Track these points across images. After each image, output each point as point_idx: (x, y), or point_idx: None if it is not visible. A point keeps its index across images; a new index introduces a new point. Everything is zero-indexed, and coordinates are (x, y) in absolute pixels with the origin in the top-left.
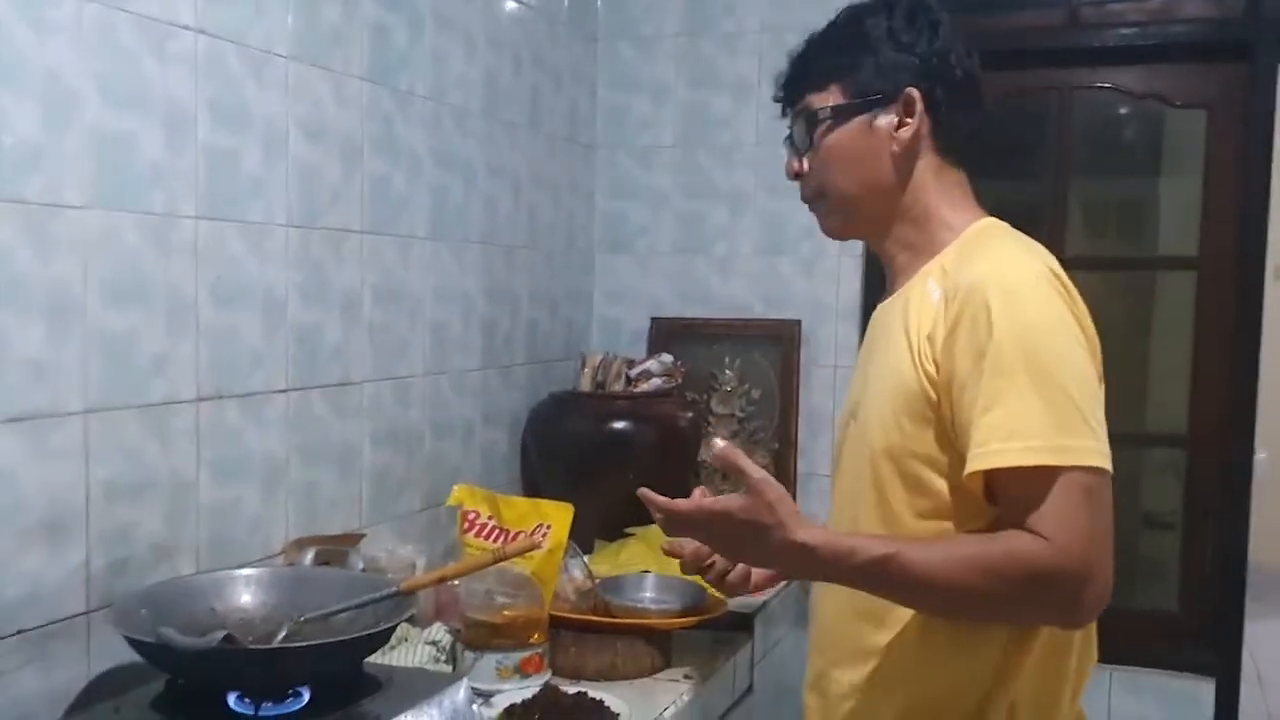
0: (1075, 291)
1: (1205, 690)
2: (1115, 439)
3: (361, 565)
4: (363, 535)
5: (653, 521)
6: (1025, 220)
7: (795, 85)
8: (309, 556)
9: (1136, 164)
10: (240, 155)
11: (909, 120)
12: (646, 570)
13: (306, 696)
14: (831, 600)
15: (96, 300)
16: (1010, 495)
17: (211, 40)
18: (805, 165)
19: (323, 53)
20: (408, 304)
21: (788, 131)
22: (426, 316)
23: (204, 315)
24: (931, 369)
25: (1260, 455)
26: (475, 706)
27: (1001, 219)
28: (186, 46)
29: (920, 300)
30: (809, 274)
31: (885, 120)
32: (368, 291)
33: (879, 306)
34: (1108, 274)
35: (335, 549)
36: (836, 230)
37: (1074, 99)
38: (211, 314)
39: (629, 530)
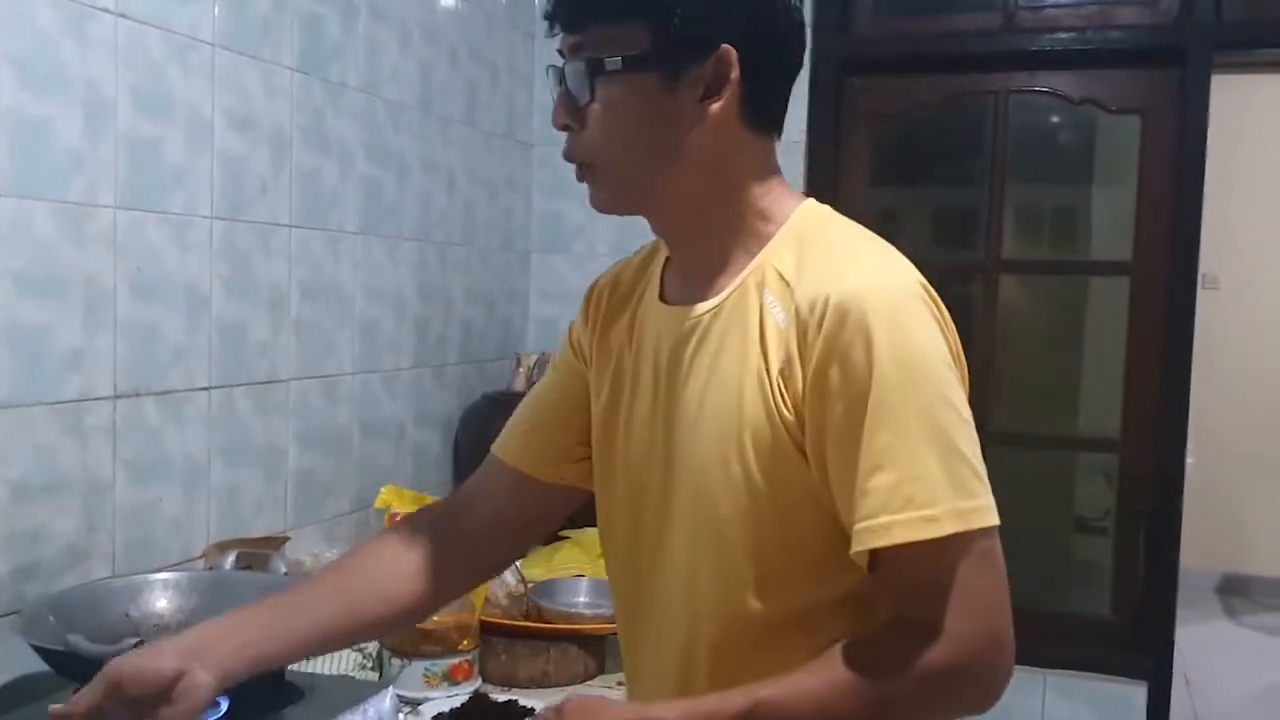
0: (941, 304)
1: (1137, 694)
2: (1047, 442)
3: (284, 569)
4: (287, 538)
5: (586, 524)
6: (962, 225)
7: (582, 7)
8: (230, 560)
9: (1071, 169)
10: (162, 144)
11: (719, 86)
12: (580, 574)
13: (225, 706)
14: None
15: (7, 292)
16: (899, 572)
17: (133, 24)
18: (579, 120)
19: (251, 41)
20: (337, 300)
21: (559, 64)
22: (356, 314)
23: (122, 309)
24: (788, 413)
25: (1190, 460)
26: (402, 716)
27: (939, 224)
28: (107, 30)
29: (757, 318)
30: None
31: (689, 82)
32: (295, 287)
33: (658, 308)
34: (1041, 278)
35: (258, 552)
36: (607, 205)
37: (1010, 103)
38: (130, 308)
39: (563, 534)
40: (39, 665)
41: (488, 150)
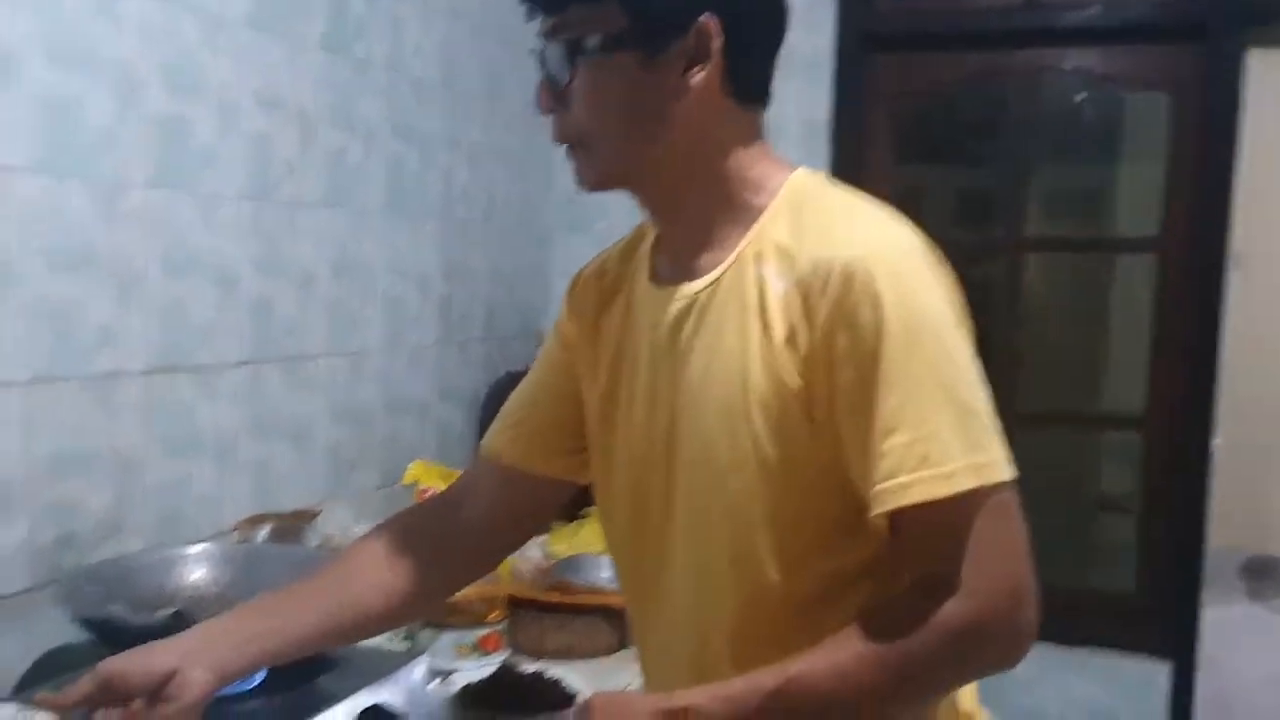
0: (943, 263)
1: (1159, 672)
2: (1070, 420)
3: (317, 542)
4: (318, 512)
5: None
6: (987, 204)
7: None
8: (263, 533)
9: (1097, 147)
10: (192, 123)
11: (701, 58)
12: (604, 551)
13: (261, 675)
14: None
15: (40, 269)
16: (919, 532)
17: (163, 4)
18: (562, 102)
19: (278, 20)
20: (363, 278)
21: (540, 45)
22: (382, 291)
23: (154, 286)
24: (797, 382)
25: (1217, 440)
26: (432, 684)
27: (963, 203)
28: (137, 9)
29: (756, 290)
30: None
31: (671, 57)
32: (323, 265)
33: (651, 291)
34: (1065, 256)
35: (289, 525)
36: (594, 183)
37: (1034, 80)
38: (162, 285)
39: (585, 510)
40: (77, 634)
41: (510, 128)
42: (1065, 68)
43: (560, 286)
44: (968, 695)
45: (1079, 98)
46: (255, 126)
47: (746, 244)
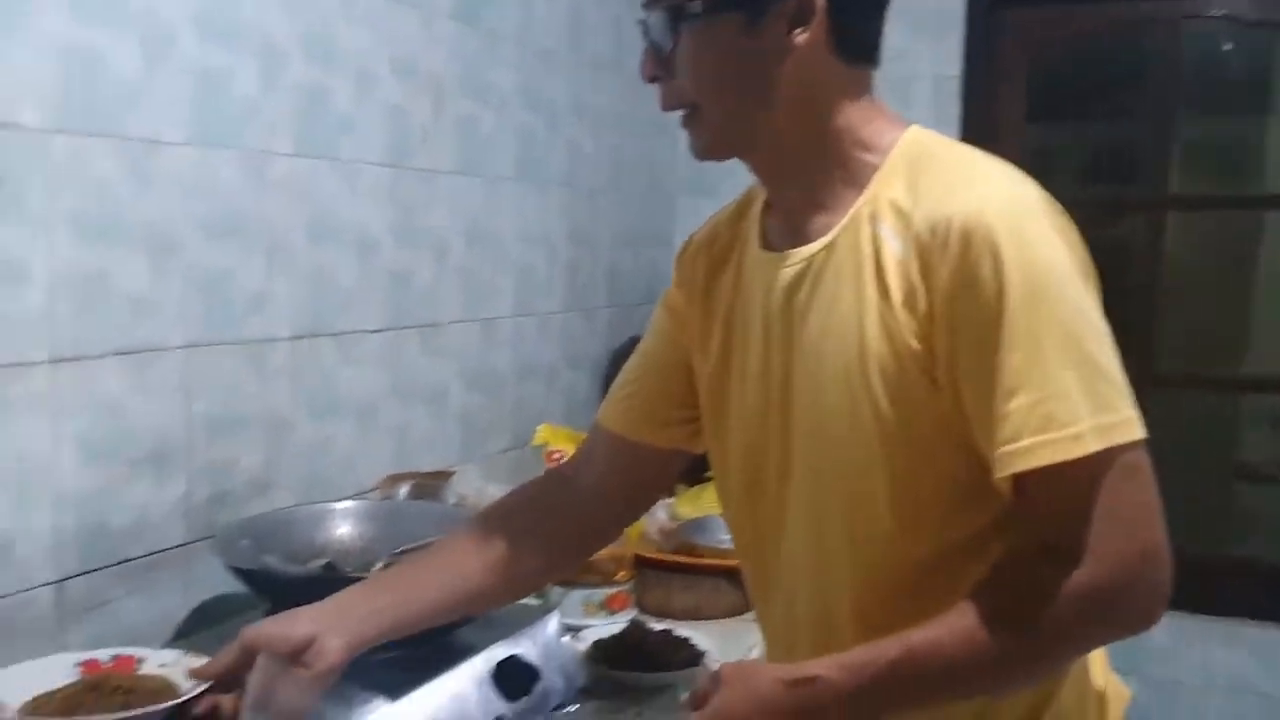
0: (1067, 218)
1: None
2: (1212, 384)
3: (453, 500)
4: (453, 473)
5: None
6: (1126, 161)
7: None
8: (403, 491)
9: (1244, 99)
10: (331, 93)
11: (805, 18)
12: None
13: None
14: None
15: (197, 237)
16: (1044, 496)
17: None
18: (667, 69)
19: None
20: (494, 246)
21: (644, 14)
22: (512, 258)
23: (299, 254)
24: (916, 344)
25: None
26: (564, 639)
27: (1101, 160)
28: None
29: (872, 252)
30: None
31: (773, 18)
32: (457, 233)
33: (763, 256)
34: (1209, 215)
35: (428, 484)
36: (705, 151)
37: (1177, 30)
38: (307, 252)
39: (710, 475)
40: (233, 585)
41: (634, 93)
42: (1211, 14)
43: None
44: (1099, 669)
45: (1226, 46)
46: (391, 95)
47: (861, 204)
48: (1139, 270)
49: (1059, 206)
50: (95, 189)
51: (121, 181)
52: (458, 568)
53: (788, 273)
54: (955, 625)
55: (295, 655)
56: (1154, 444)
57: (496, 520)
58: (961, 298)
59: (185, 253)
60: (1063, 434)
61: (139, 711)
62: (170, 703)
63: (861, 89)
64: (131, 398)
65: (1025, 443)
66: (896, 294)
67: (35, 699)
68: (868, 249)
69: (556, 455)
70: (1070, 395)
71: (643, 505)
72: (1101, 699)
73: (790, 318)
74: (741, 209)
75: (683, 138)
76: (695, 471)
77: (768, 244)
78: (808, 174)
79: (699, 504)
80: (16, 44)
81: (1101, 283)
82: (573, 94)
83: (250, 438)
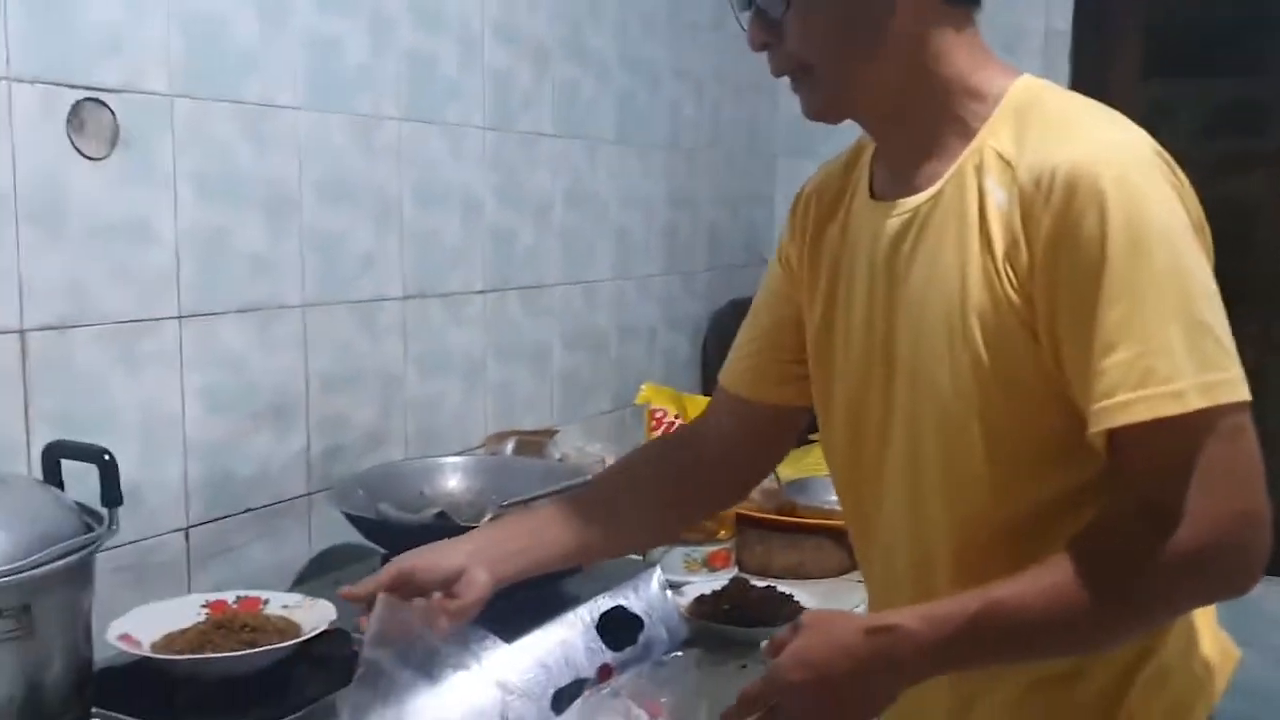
0: (1181, 172)
1: None
2: None
3: (558, 457)
4: (556, 431)
5: None
6: (1250, 116)
7: None
8: (509, 447)
9: None
10: (438, 58)
11: None
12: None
13: None
14: None
15: (310, 198)
16: (1142, 454)
17: None
18: (776, 35)
19: None
20: (595, 207)
21: None
22: (612, 220)
23: (407, 215)
24: (1016, 297)
25: None
26: (667, 594)
27: (1222, 116)
28: None
29: (976, 202)
30: None
31: None
32: (558, 195)
33: (870, 205)
34: None
35: (532, 441)
36: (820, 111)
37: None
38: (414, 214)
39: (813, 436)
40: (350, 535)
41: (735, 54)
42: None
43: (785, 212)
44: (1207, 627)
45: None
46: (494, 59)
47: (967, 155)
48: (1265, 227)
49: (1172, 160)
50: (216, 151)
51: (240, 144)
52: (587, 518)
53: (894, 223)
54: (1042, 582)
55: (445, 585)
56: (1270, 408)
57: (624, 476)
58: (1063, 249)
59: (301, 214)
60: (1163, 390)
61: (265, 648)
62: (294, 640)
63: (968, 37)
64: (253, 353)
65: (1122, 398)
66: (999, 246)
67: (167, 635)
68: (973, 200)
69: (659, 414)
70: (1172, 351)
71: (767, 465)
72: (1208, 658)
73: (894, 269)
74: (852, 158)
75: (783, 99)
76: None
77: (876, 193)
78: (917, 124)
79: (801, 465)
80: (146, 13)
81: (1225, 240)
82: (673, 56)
83: (363, 394)
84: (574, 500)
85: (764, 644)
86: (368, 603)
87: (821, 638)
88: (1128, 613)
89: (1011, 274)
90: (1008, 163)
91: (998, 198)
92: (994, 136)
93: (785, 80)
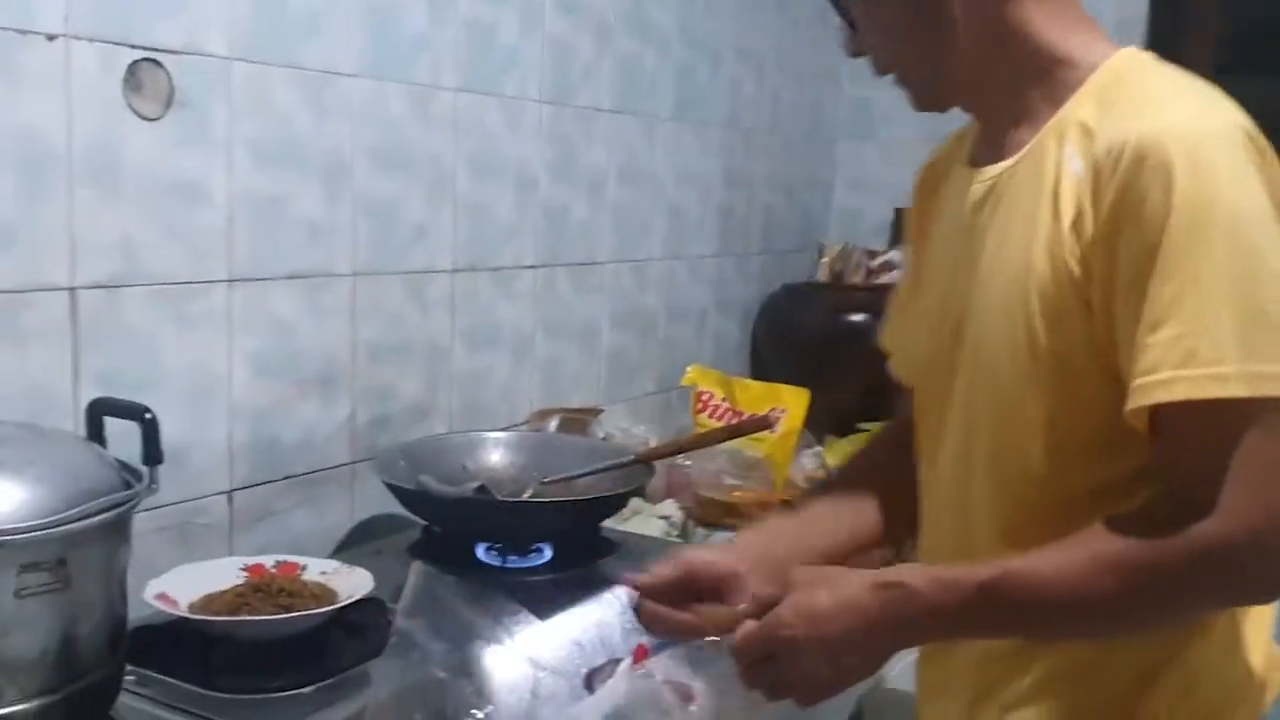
0: (1273, 155)
1: None
2: None
3: (601, 436)
4: (601, 410)
5: (885, 418)
6: None
7: None
8: (554, 424)
9: None
10: (497, 27)
11: None
12: None
13: (549, 553)
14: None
15: (365, 166)
16: (1179, 437)
17: None
18: (862, 42)
19: None
20: (649, 186)
21: None
22: (667, 199)
23: (461, 187)
24: (1076, 269)
25: None
26: None
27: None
28: None
29: (1054, 172)
30: None
31: None
32: (612, 171)
33: (964, 174)
34: None
35: (577, 419)
36: (922, 105)
37: None
38: (468, 186)
39: (861, 426)
40: (392, 505)
41: (798, 36)
42: None
43: (843, 197)
44: (1257, 648)
45: None
46: (555, 30)
47: (1051, 124)
48: None
49: (1267, 144)
50: (274, 116)
51: (298, 109)
52: (849, 519)
53: (977, 189)
54: (1058, 558)
55: (718, 586)
56: None
57: (869, 462)
58: (1125, 220)
59: (355, 181)
60: (1204, 371)
61: (301, 613)
62: (330, 607)
63: (1054, 3)
64: (302, 320)
65: (1162, 375)
66: (1066, 216)
67: (205, 596)
68: (1050, 169)
69: (706, 396)
70: (1221, 334)
71: None
72: (1253, 668)
73: (973, 237)
74: (969, 127)
75: (847, 83)
76: (846, 420)
77: (973, 161)
78: (1006, 95)
79: (847, 454)
80: None
81: None
82: (735, 35)
83: (410, 365)
84: (830, 496)
85: (741, 607)
86: (655, 593)
87: (827, 591)
88: (1141, 601)
89: (1075, 244)
90: (1089, 132)
91: (1074, 166)
92: (1081, 106)
93: (848, 64)
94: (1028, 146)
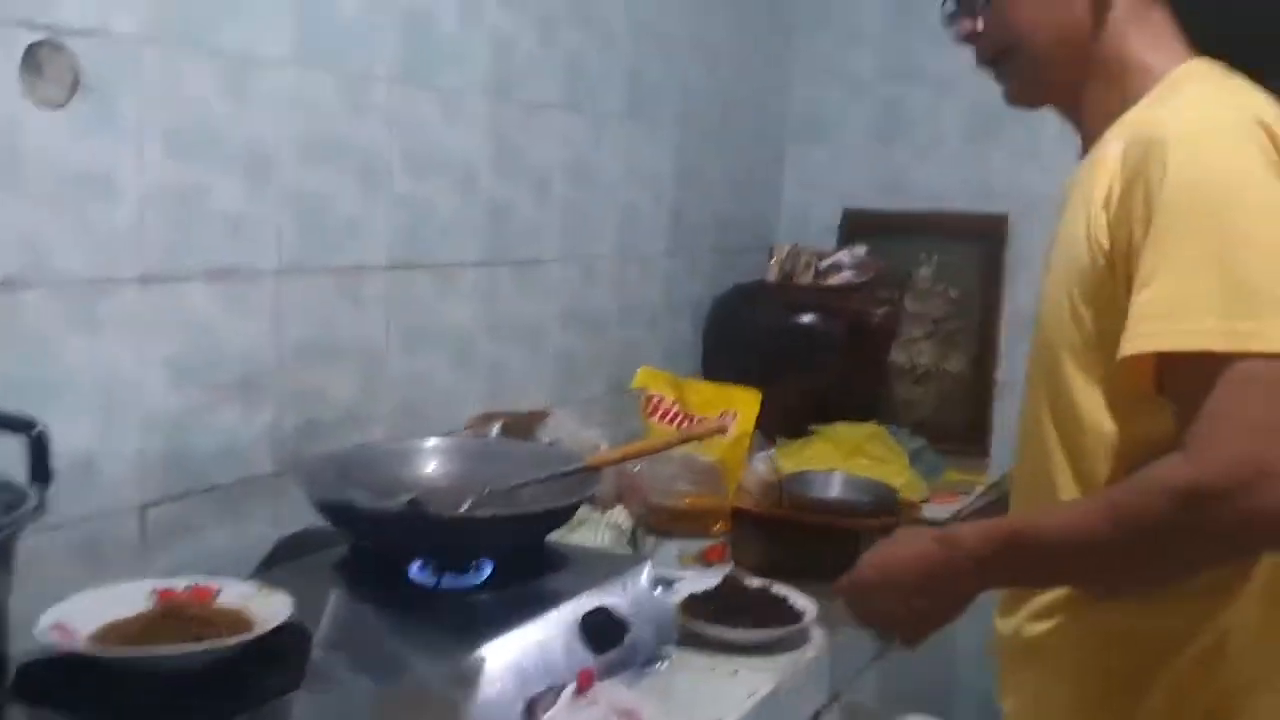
0: None
1: None
2: None
3: (549, 441)
4: (548, 413)
5: (837, 419)
6: None
7: None
8: (495, 429)
9: None
10: (436, 17)
11: None
12: (833, 469)
13: (489, 569)
14: None
15: (290, 158)
16: (1174, 392)
17: None
18: (980, 23)
19: None
20: (598, 184)
21: None
22: (617, 197)
23: (397, 181)
24: (1105, 241)
25: None
26: (656, 591)
27: None
28: None
29: (1101, 162)
30: (1020, 163)
31: None
32: (559, 168)
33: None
34: None
35: (521, 424)
36: (1022, 94)
37: None
38: (405, 181)
39: (813, 428)
40: (318, 519)
41: (746, 33)
42: None
43: (793, 199)
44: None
45: None
46: (497, 21)
47: (1117, 125)
48: None
49: (1276, 134)
50: (189, 102)
51: (217, 96)
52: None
53: (1067, 183)
54: (1076, 507)
55: None
56: None
57: None
58: (1134, 200)
59: (280, 173)
60: (1182, 325)
61: (209, 645)
62: (244, 637)
63: (1150, 16)
64: (222, 320)
65: (1144, 328)
66: (1099, 197)
67: (109, 624)
68: (1100, 162)
69: (656, 399)
70: (1202, 294)
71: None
72: None
73: (1058, 228)
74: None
75: (797, 82)
76: (798, 424)
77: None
78: (1095, 102)
79: (801, 457)
80: None
81: None
82: (687, 29)
83: (342, 368)
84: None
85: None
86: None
87: (899, 545)
88: (1135, 544)
89: (1104, 221)
90: (1129, 124)
91: (1113, 151)
92: (1143, 108)
93: (799, 67)
94: (1098, 144)
